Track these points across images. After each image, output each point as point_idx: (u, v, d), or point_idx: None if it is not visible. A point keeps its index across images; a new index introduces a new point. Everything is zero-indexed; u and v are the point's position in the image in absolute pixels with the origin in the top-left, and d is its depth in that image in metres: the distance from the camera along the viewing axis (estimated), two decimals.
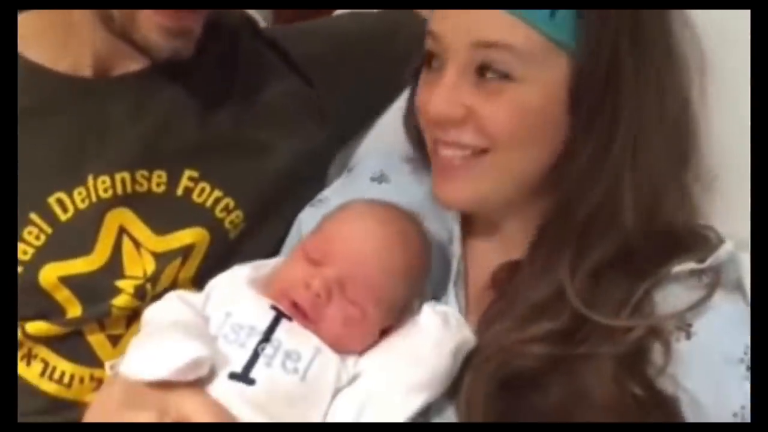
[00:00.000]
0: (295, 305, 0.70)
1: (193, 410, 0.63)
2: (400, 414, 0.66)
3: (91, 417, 0.67)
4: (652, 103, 0.69)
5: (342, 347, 0.69)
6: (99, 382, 0.85)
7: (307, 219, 0.90)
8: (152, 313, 0.73)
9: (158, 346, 0.65)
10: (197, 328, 0.68)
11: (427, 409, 0.69)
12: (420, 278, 0.75)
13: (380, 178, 0.90)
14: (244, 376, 0.66)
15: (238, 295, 0.72)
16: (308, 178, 0.94)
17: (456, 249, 0.81)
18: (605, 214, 0.69)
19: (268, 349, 0.67)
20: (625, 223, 0.68)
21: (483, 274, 0.79)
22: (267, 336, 0.67)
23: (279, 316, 0.69)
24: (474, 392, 0.66)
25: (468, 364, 0.70)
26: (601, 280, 0.69)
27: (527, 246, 0.74)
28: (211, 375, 0.65)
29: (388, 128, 0.97)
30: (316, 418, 0.67)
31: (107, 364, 0.70)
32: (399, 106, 0.96)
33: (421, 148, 0.84)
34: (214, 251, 0.87)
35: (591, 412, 0.63)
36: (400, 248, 0.73)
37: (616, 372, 0.64)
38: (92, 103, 0.84)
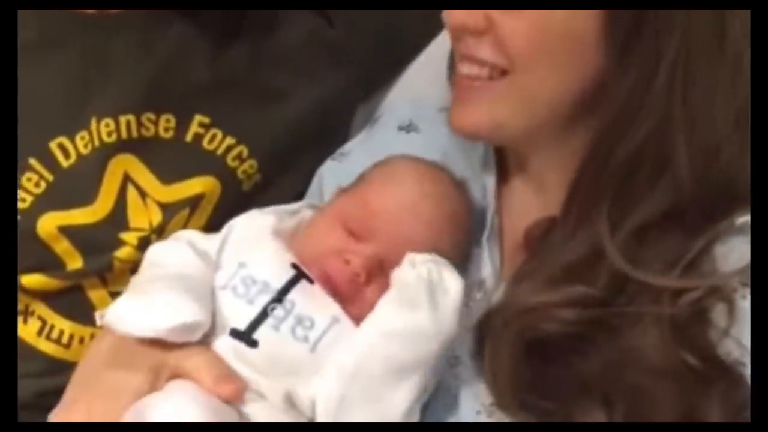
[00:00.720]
0: (327, 277, 0.62)
1: (193, 367, 0.57)
2: (396, 401, 0.57)
3: (77, 376, 0.60)
4: (709, 23, 0.59)
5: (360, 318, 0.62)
6: None
7: (329, 174, 0.83)
8: (156, 256, 0.66)
9: (151, 301, 0.58)
10: (200, 284, 0.61)
11: (455, 380, 0.62)
12: (464, 251, 0.68)
13: (408, 128, 0.82)
14: (246, 336, 0.59)
15: (256, 244, 0.64)
16: (328, 129, 0.86)
17: (490, 202, 0.73)
18: (651, 158, 0.60)
19: (279, 311, 0.60)
20: (676, 171, 0.59)
21: (519, 230, 0.71)
22: (280, 296, 0.60)
23: (298, 276, 0.62)
24: (498, 358, 0.59)
25: (489, 327, 0.62)
26: (646, 237, 0.61)
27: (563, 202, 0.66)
28: (211, 328, 0.59)
29: (418, 76, 0.89)
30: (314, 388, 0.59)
31: (97, 314, 0.63)
32: (429, 52, 0.89)
33: None
34: (226, 203, 0.80)
35: (645, 376, 0.55)
36: (450, 228, 0.66)
37: (668, 336, 0.56)
38: (96, 38, 0.77)
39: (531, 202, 0.72)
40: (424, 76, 0.87)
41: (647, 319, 0.58)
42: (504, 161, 0.76)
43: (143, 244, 0.77)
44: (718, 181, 0.61)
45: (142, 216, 0.78)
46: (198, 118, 0.79)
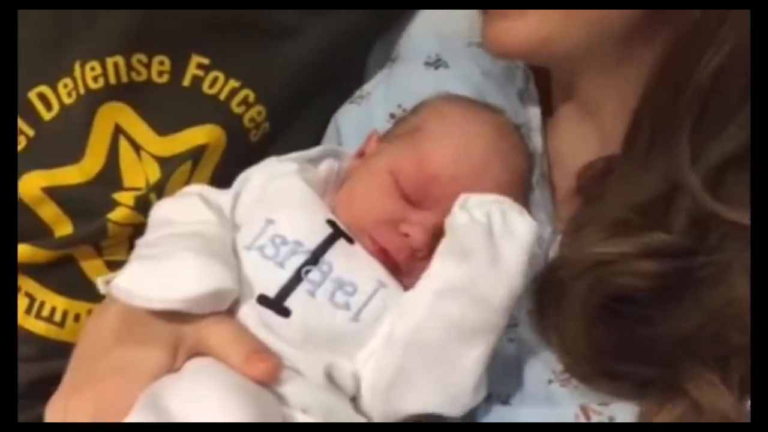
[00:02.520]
0: (383, 251, 0.53)
1: (218, 342, 0.48)
2: (467, 363, 0.49)
3: (79, 356, 0.51)
4: None
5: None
6: None
7: (348, 119, 0.73)
8: (164, 213, 0.56)
9: (170, 266, 0.49)
10: (222, 245, 0.52)
11: (514, 344, 0.54)
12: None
13: (436, 63, 0.72)
14: (276, 303, 0.50)
15: (284, 198, 0.55)
16: (343, 69, 0.76)
17: (537, 143, 0.64)
18: (739, 73, 0.50)
19: (315, 274, 0.51)
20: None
21: (570, 172, 0.62)
22: (315, 257, 0.51)
23: (336, 235, 0.53)
24: (568, 318, 0.50)
25: (553, 282, 0.53)
26: (733, 169, 0.51)
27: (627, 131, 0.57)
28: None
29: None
30: (362, 365, 0.50)
31: (100, 280, 0.53)
32: None
33: None
34: (232, 155, 0.70)
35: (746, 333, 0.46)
36: (519, 186, 0.57)
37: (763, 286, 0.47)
38: None
39: (582, 140, 0.63)
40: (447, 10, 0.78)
41: (737, 268, 0.49)
42: (547, 95, 0.67)
43: (141, 204, 0.67)
44: None
45: (137, 172, 0.69)
46: (196, 58, 0.69)
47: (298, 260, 0.51)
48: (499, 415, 0.50)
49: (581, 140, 0.62)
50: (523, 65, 0.70)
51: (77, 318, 0.69)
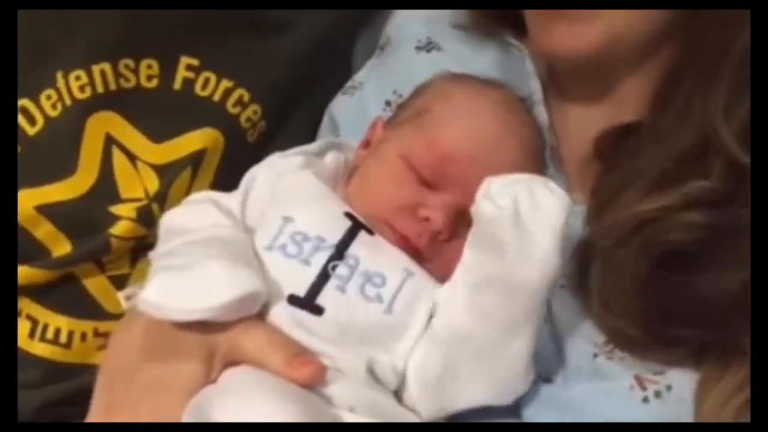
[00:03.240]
0: (404, 239, 0.52)
1: (255, 348, 0.46)
2: (514, 352, 0.48)
3: (108, 375, 0.49)
4: None
5: (443, 279, 0.52)
6: (105, 339, 0.65)
7: (343, 111, 0.72)
8: (177, 222, 0.54)
9: (196, 275, 0.47)
10: (244, 248, 0.50)
11: (548, 321, 0.52)
12: None
13: (428, 46, 0.71)
14: (308, 302, 0.48)
15: (298, 194, 0.53)
16: (334, 61, 0.75)
17: (543, 117, 0.63)
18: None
19: (342, 269, 0.49)
20: None
21: (579, 144, 0.62)
22: (340, 251, 0.50)
23: (356, 227, 0.51)
24: (615, 284, 0.50)
25: (590, 255, 0.52)
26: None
27: (653, 98, 0.57)
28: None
29: None
30: (401, 358, 0.49)
31: (121, 295, 0.52)
32: None
33: (476, 12, 0.69)
34: (231, 157, 0.68)
35: None
36: (532, 160, 0.55)
37: None
38: None
39: (590, 112, 0.62)
40: None
41: None
42: (550, 71, 0.67)
43: (143, 216, 0.65)
44: None
45: (134, 183, 0.66)
46: (185, 60, 0.67)
47: (323, 256, 0.50)
48: (545, 394, 0.49)
49: (589, 112, 0.62)
50: (516, 43, 0.70)
51: (84, 337, 0.67)
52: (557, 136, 0.64)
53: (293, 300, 0.48)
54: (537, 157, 0.57)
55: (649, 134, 0.56)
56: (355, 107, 0.72)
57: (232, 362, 0.47)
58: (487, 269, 0.48)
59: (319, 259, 0.49)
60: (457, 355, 0.48)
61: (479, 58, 0.70)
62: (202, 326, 0.47)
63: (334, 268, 0.49)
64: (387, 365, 0.48)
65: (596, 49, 0.55)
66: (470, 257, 0.49)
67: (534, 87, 0.65)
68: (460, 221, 0.52)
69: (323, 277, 0.49)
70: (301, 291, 0.49)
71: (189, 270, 0.47)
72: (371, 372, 0.48)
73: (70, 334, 0.66)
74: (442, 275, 0.51)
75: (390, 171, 0.55)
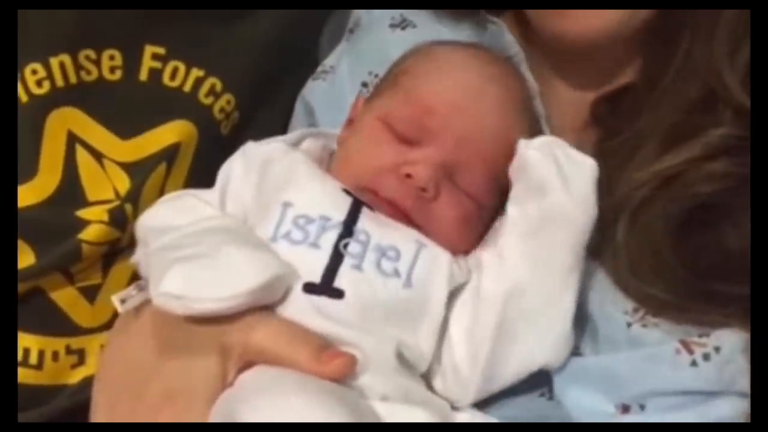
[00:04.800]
0: (389, 201, 0.49)
1: (265, 340, 0.42)
2: (565, 305, 0.47)
3: (113, 384, 0.44)
4: None
5: (450, 250, 0.49)
6: (79, 356, 0.62)
7: (317, 96, 0.68)
8: (160, 220, 0.50)
9: (220, 264, 0.43)
10: (252, 235, 0.47)
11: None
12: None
13: (402, 23, 0.68)
14: (326, 287, 0.45)
15: (291, 176, 0.50)
16: (301, 46, 0.71)
17: (534, 88, 0.61)
18: None
19: (354, 246, 0.46)
20: None
21: (568, 111, 0.61)
22: (349, 228, 0.46)
23: (358, 203, 0.48)
24: (650, 247, 0.48)
25: (613, 218, 0.50)
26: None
27: (647, 55, 0.56)
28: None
29: None
30: (427, 337, 0.46)
31: (116, 298, 0.47)
32: None
33: None
34: (205, 151, 0.64)
35: None
36: (523, 112, 0.54)
37: None
38: None
39: (581, 80, 0.60)
40: None
41: None
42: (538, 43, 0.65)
43: (116, 218, 0.60)
44: None
45: (102, 184, 0.61)
46: (150, 49, 0.62)
47: (331, 236, 0.46)
48: (577, 366, 0.47)
49: (580, 80, 0.60)
50: (493, 19, 0.68)
51: (56, 356, 0.61)
52: (547, 106, 0.63)
53: (310, 288, 0.45)
54: (524, 106, 0.55)
55: (647, 93, 0.54)
56: (330, 92, 0.68)
57: (248, 362, 0.43)
58: (535, 213, 0.47)
59: (329, 240, 0.46)
60: (512, 312, 0.46)
61: (456, 34, 0.67)
62: (211, 326, 0.43)
63: (345, 246, 0.46)
64: (416, 348, 0.45)
65: (611, 29, 0.53)
66: (514, 211, 0.48)
67: (520, 59, 0.64)
68: (445, 177, 0.50)
69: (336, 258, 0.46)
70: (316, 277, 0.45)
71: (208, 258, 0.43)
72: (400, 357, 0.45)
73: (41, 354, 0.61)
74: (441, 239, 0.49)
75: (368, 135, 0.52)
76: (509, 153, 0.52)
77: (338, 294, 0.45)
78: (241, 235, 0.46)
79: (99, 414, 0.45)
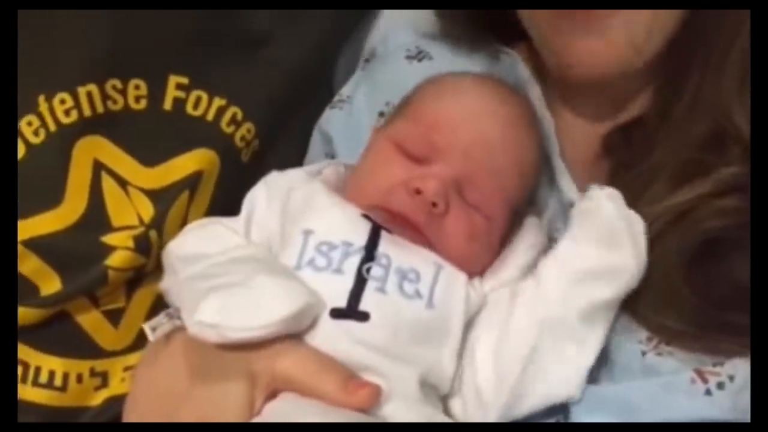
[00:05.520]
0: (401, 217, 0.50)
1: (293, 369, 0.44)
2: (594, 344, 0.48)
3: (144, 408, 0.46)
4: None
5: (464, 269, 0.51)
6: (103, 378, 0.64)
7: (334, 125, 0.70)
8: (191, 247, 0.52)
9: (253, 293, 0.45)
10: (279, 264, 0.48)
11: None
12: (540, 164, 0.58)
13: (419, 55, 0.70)
14: (352, 310, 0.47)
15: (311, 205, 0.51)
16: (318, 75, 0.73)
17: (547, 117, 0.63)
18: None
19: (377, 270, 0.48)
20: None
21: (581, 144, 0.62)
22: (370, 252, 0.48)
23: (377, 227, 0.50)
24: (665, 279, 0.49)
25: None
26: None
27: (657, 88, 0.58)
28: None
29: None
30: (450, 357, 0.48)
31: (147, 326, 0.49)
32: None
33: (465, 19, 0.68)
34: (226, 179, 0.66)
35: None
36: (523, 126, 0.55)
37: None
38: None
39: (594, 114, 0.62)
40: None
41: None
42: (550, 76, 0.67)
43: (141, 244, 0.62)
44: None
45: (126, 210, 0.63)
46: (174, 79, 0.64)
47: (354, 261, 0.48)
48: (595, 395, 0.48)
49: (593, 113, 0.62)
50: (507, 50, 0.70)
51: (80, 379, 0.62)
52: (560, 139, 0.64)
53: (336, 313, 0.46)
54: (528, 123, 0.57)
55: (658, 127, 0.56)
56: (347, 121, 0.70)
57: (273, 391, 0.45)
58: (595, 261, 0.49)
59: (352, 265, 0.48)
60: (545, 343, 0.47)
61: (471, 65, 0.69)
62: (240, 354, 0.44)
63: (368, 270, 0.48)
64: (438, 367, 0.47)
65: (619, 64, 0.54)
66: (570, 248, 0.50)
67: (534, 92, 0.65)
68: (455, 193, 0.51)
69: (360, 282, 0.47)
70: (342, 301, 0.47)
71: (241, 287, 0.45)
72: (423, 384, 0.46)
73: (65, 376, 0.62)
74: (453, 255, 0.50)
75: (379, 156, 0.54)
76: (517, 168, 0.54)
77: (364, 317, 0.46)
78: (270, 265, 0.48)
79: None
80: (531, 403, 0.48)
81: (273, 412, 0.43)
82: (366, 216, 0.50)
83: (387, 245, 0.49)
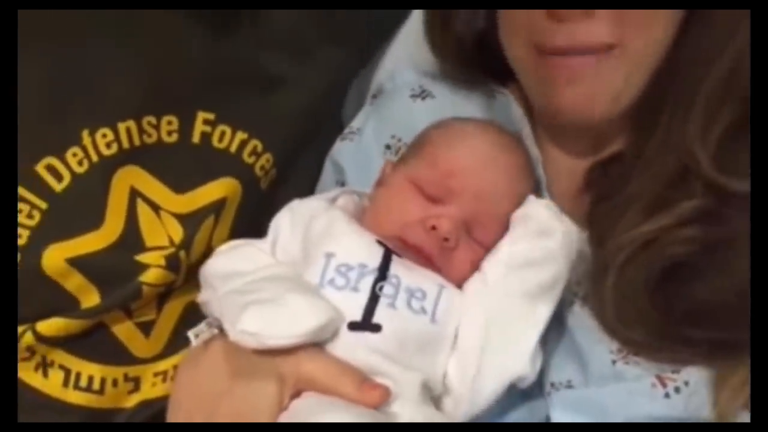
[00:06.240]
0: (418, 248, 0.58)
1: (315, 371, 0.52)
2: (533, 326, 0.56)
3: (186, 404, 0.53)
4: None
5: (458, 286, 0.59)
6: (135, 383, 0.71)
7: (345, 156, 0.78)
8: (228, 266, 0.60)
9: (286, 308, 0.53)
10: (307, 284, 0.56)
11: (569, 340, 0.60)
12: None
13: (422, 94, 0.78)
14: (366, 323, 0.54)
15: (332, 231, 0.59)
16: (332, 109, 0.81)
17: (535, 153, 0.71)
18: (736, 75, 0.59)
19: (388, 288, 0.55)
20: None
21: (564, 176, 0.70)
22: (383, 273, 0.56)
23: (389, 252, 0.57)
24: (631, 298, 0.57)
25: (603, 273, 0.59)
26: (729, 146, 0.60)
27: (632, 129, 0.65)
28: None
29: (407, 43, 0.85)
30: (443, 364, 0.56)
31: (191, 333, 0.56)
32: (414, 18, 0.86)
33: (461, 61, 0.76)
34: (247, 204, 0.73)
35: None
36: (524, 176, 0.63)
37: None
38: (73, 39, 0.66)
39: (572, 146, 0.70)
40: (412, 43, 0.84)
41: (745, 231, 0.56)
42: (532, 113, 0.74)
43: (172, 263, 0.69)
44: None
45: (158, 232, 0.70)
46: (202, 115, 0.71)
47: (369, 280, 0.55)
48: (571, 399, 0.56)
49: (576, 149, 0.69)
50: (502, 90, 0.77)
51: (115, 383, 0.69)
52: (547, 173, 0.72)
53: (353, 326, 0.54)
54: (528, 176, 0.65)
55: (634, 162, 0.63)
56: (357, 151, 0.78)
57: (297, 391, 0.52)
58: (527, 251, 0.57)
59: (367, 284, 0.55)
60: (493, 330, 0.55)
61: (469, 104, 0.77)
62: (272, 358, 0.51)
63: (380, 288, 0.55)
64: (434, 373, 0.55)
65: (595, 109, 0.62)
66: (507, 248, 0.58)
67: (525, 130, 0.72)
68: (464, 230, 0.59)
69: (374, 299, 0.55)
70: (358, 316, 0.54)
71: (276, 303, 0.53)
72: (424, 386, 0.54)
73: (103, 381, 0.69)
74: (455, 279, 0.58)
75: (399, 193, 0.62)
76: (515, 209, 0.61)
77: (377, 328, 0.54)
78: (298, 283, 0.56)
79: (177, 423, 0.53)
80: (491, 386, 0.55)
81: (298, 408, 0.50)
82: (379, 242, 0.58)
83: (397, 267, 0.57)
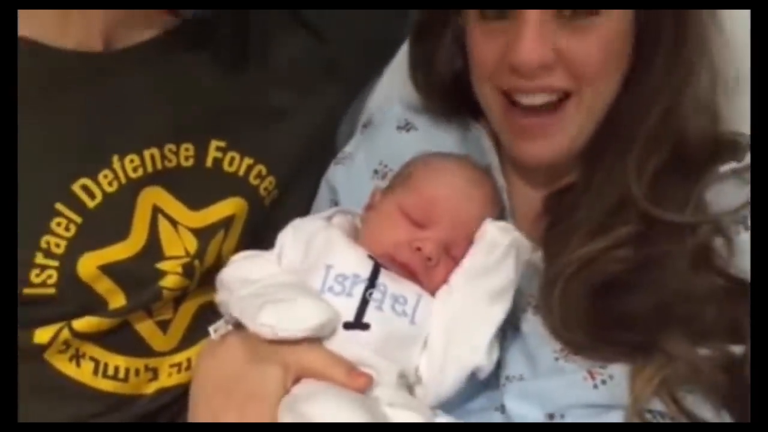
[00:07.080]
0: (404, 265, 0.69)
1: (313, 361, 0.63)
2: (489, 324, 0.66)
3: (207, 387, 0.65)
4: (695, 20, 0.71)
5: (434, 293, 0.70)
6: (154, 373, 0.82)
7: (338, 178, 0.89)
8: (243, 272, 0.70)
9: (296, 308, 0.64)
10: (310, 289, 0.67)
11: (524, 341, 0.71)
12: None
13: (407, 126, 0.89)
14: (357, 322, 0.65)
15: (332, 247, 0.70)
16: (328, 137, 0.93)
17: (501, 182, 0.82)
18: (669, 121, 0.71)
19: (376, 294, 0.67)
20: (683, 131, 0.71)
21: (526, 203, 0.81)
22: (372, 282, 0.67)
23: (378, 265, 0.69)
24: (572, 306, 0.68)
25: (552, 285, 0.71)
26: (661, 181, 0.71)
27: (582, 165, 0.76)
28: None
29: (396, 78, 0.96)
30: (417, 357, 0.67)
31: (211, 328, 0.67)
32: (402, 55, 0.96)
33: (441, 98, 0.86)
34: (252, 220, 0.85)
35: (690, 306, 0.65)
36: (492, 205, 0.75)
37: (695, 267, 0.68)
38: (106, 78, 0.78)
39: (539, 180, 0.81)
40: (401, 78, 0.93)
41: (677, 254, 0.68)
42: (500, 147, 0.86)
43: (187, 271, 0.80)
44: (705, 136, 0.73)
45: (176, 244, 0.81)
46: (215, 142, 0.83)
47: (360, 287, 0.67)
48: (522, 389, 0.67)
49: (536, 179, 0.81)
50: (475, 125, 0.89)
51: (137, 373, 0.81)
52: (510, 200, 0.82)
53: (347, 325, 0.65)
54: (495, 204, 0.77)
55: (582, 193, 0.75)
56: (348, 174, 0.89)
57: (300, 373, 0.63)
58: (482, 263, 0.67)
59: (359, 290, 0.67)
60: (455, 327, 0.66)
61: (447, 136, 0.88)
62: (279, 349, 0.63)
63: (370, 294, 0.67)
64: (410, 365, 0.66)
65: (554, 157, 0.74)
66: (467, 262, 0.68)
67: (493, 161, 0.83)
68: (444, 251, 0.70)
69: (364, 303, 0.66)
70: (351, 317, 0.66)
71: (288, 303, 0.64)
72: (401, 376, 0.65)
73: (127, 371, 0.80)
74: (432, 289, 0.69)
75: (388, 218, 0.73)
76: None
77: (366, 327, 0.65)
78: (304, 289, 0.67)
79: (199, 408, 0.65)
80: (454, 374, 0.65)
81: (299, 391, 0.62)
82: (370, 256, 0.70)
83: (384, 278, 0.68)
